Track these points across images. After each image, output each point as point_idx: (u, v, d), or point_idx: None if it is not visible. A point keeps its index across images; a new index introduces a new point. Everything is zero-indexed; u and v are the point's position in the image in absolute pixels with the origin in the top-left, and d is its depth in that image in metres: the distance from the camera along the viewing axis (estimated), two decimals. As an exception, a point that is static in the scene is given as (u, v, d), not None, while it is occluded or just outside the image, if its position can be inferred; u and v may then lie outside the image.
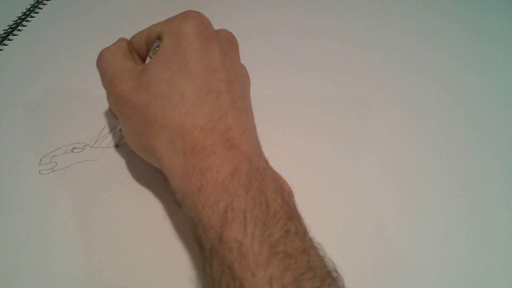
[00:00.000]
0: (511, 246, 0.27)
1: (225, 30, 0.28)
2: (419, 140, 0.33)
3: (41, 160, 0.30)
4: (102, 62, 0.27)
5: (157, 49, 0.25)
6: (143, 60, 0.27)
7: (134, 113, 0.24)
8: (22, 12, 0.45)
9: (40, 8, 0.46)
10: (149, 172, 0.30)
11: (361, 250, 0.26)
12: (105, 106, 0.35)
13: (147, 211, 0.28)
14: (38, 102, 0.35)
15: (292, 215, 0.20)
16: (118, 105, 0.25)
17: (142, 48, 0.27)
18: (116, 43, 0.28)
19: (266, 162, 0.23)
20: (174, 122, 0.22)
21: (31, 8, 0.45)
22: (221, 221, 0.19)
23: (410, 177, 0.30)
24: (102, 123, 0.33)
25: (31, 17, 0.44)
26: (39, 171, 0.30)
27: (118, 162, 0.30)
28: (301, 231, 0.20)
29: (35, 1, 0.46)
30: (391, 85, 0.38)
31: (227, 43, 0.27)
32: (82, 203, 0.28)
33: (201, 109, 0.22)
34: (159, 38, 0.25)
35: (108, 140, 0.32)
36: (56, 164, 0.30)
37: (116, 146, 0.31)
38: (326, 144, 0.32)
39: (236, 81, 0.24)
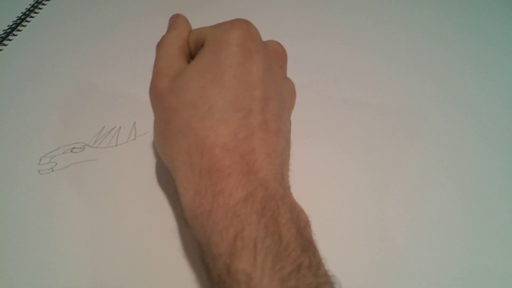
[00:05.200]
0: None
1: (275, 42, 0.26)
2: (423, 144, 0.33)
3: (40, 160, 0.30)
4: (159, 49, 0.25)
5: None
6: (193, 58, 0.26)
7: (163, 115, 0.23)
8: (22, 12, 0.45)
9: (40, 8, 0.46)
10: (148, 173, 0.30)
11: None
12: (105, 106, 0.35)
13: (147, 211, 0.27)
14: (37, 102, 0.35)
15: (307, 246, 0.19)
16: (153, 100, 0.24)
17: (192, 47, 0.26)
18: (179, 30, 0.26)
19: (286, 189, 0.21)
20: (196, 134, 0.21)
21: (31, 8, 0.45)
22: (230, 249, 0.18)
23: (418, 182, 0.30)
24: (102, 123, 0.33)
25: (31, 17, 0.44)
26: (39, 171, 0.30)
27: (117, 162, 0.30)
28: (315, 265, 0.19)
29: (35, 1, 0.46)
30: (392, 87, 0.38)
31: (273, 56, 0.25)
32: (81, 203, 0.28)
33: (227, 126, 0.21)
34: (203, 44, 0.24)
35: (108, 140, 0.32)
36: (56, 164, 0.30)
37: None
38: (326, 145, 0.32)
39: (274, 100, 0.23)
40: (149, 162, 0.30)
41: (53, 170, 0.30)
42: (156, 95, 0.23)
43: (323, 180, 0.30)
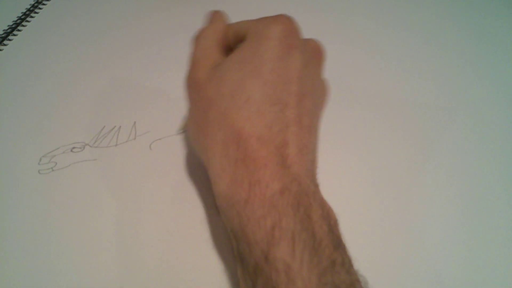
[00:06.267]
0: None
1: (314, 40, 0.26)
2: (425, 144, 0.33)
3: (40, 160, 0.30)
4: (196, 41, 0.26)
5: None
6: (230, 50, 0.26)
7: (200, 104, 0.23)
8: (22, 12, 0.45)
9: (40, 8, 0.46)
10: (148, 173, 0.30)
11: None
12: (105, 106, 0.35)
13: (147, 210, 0.28)
14: (37, 102, 0.35)
15: (338, 244, 0.19)
16: (190, 90, 0.24)
17: (231, 40, 0.26)
18: (215, 24, 0.26)
19: (316, 186, 0.22)
20: (233, 125, 0.21)
21: (31, 8, 0.45)
22: (267, 238, 0.18)
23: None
24: (102, 122, 0.33)
25: (31, 17, 0.44)
26: (39, 171, 0.30)
27: (117, 162, 0.30)
28: (347, 262, 0.19)
29: (35, 1, 0.46)
30: (393, 87, 0.38)
31: (311, 54, 0.25)
32: (81, 203, 0.28)
33: (263, 118, 0.21)
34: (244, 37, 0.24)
35: (108, 139, 0.32)
36: (56, 164, 0.30)
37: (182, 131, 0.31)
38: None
39: (309, 96, 0.23)
40: (149, 161, 0.30)
41: (53, 170, 0.30)
42: (194, 84, 0.24)
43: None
